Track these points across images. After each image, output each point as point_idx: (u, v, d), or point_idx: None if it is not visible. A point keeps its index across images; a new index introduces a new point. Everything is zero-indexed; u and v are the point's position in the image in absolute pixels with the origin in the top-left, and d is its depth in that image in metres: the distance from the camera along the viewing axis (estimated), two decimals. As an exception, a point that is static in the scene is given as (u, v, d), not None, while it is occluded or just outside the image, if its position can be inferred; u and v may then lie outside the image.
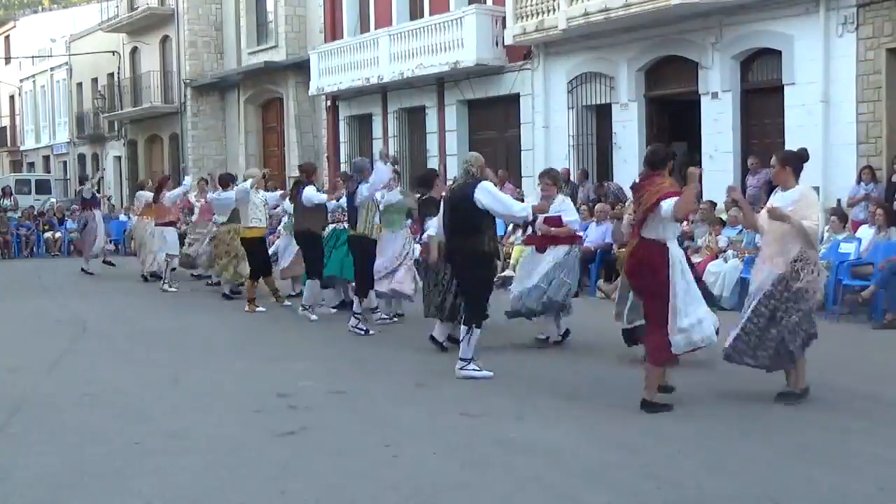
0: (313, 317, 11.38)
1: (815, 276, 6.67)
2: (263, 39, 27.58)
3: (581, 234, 9.91)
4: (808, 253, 6.63)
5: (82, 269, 18.72)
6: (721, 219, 13.44)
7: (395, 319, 11.19)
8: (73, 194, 39.14)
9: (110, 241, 22.59)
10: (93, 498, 4.98)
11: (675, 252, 6.61)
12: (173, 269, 15.88)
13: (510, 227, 15.07)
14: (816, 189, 13.55)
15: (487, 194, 7.84)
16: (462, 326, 7.95)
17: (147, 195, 17.10)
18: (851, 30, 13.79)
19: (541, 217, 8.96)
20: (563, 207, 9.29)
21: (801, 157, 6.89)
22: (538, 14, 18.01)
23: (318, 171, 23.60)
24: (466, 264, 7.97)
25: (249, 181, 12.51)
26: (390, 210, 10.90)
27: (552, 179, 9.33)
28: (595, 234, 14.27)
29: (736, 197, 7.48)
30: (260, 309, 12.33)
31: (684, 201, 6.39)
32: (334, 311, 12.09)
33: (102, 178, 19.62)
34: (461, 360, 7.86)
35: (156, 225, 16.01)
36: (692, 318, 6.56)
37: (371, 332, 10.23)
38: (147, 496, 4.94)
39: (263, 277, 12.65)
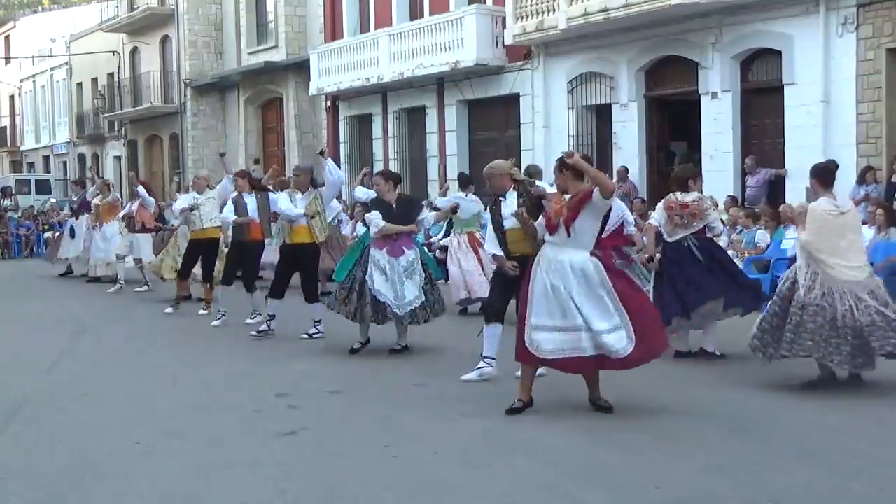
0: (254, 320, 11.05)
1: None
2: (263, 39, 27.58)
3: None
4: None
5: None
6: (721, 219, 13.41)
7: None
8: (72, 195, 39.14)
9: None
10: (93, 498, 4.98)
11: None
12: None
13: None
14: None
15: None
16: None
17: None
18: (851, 30, 13.80)
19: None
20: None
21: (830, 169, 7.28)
22: (538, 14, 18.01)
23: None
24: None
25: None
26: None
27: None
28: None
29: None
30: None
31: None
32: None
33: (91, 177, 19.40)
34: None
35: (134, 231, 15.49)
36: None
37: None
38: (147, 496, 4.94)
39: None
